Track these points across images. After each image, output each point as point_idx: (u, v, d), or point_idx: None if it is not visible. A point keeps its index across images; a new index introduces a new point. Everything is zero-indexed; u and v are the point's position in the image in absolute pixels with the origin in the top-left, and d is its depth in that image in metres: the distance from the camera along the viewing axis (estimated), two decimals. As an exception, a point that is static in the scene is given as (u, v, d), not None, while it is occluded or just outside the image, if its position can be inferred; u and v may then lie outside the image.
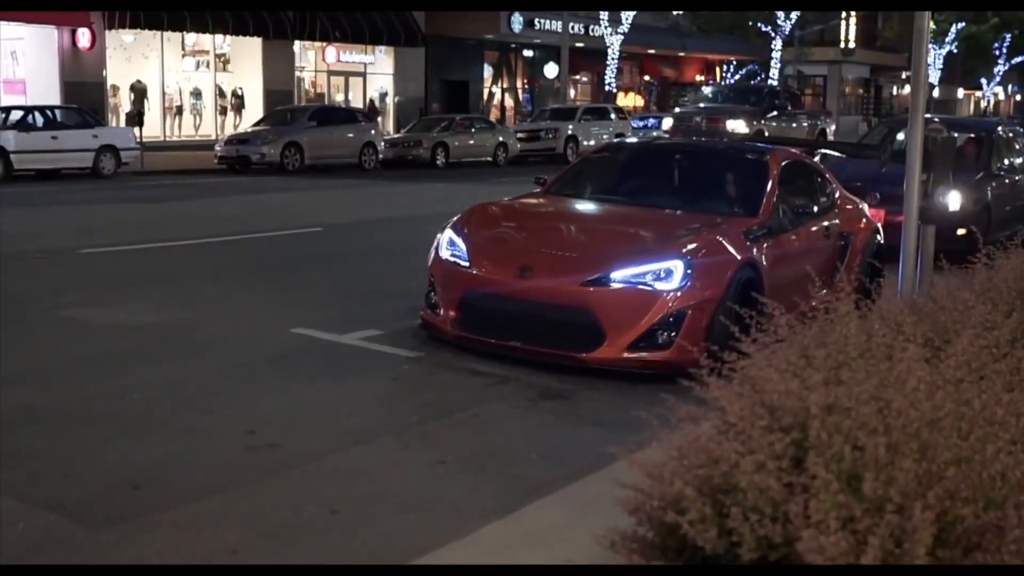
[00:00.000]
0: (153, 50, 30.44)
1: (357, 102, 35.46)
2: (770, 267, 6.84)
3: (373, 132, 27.24)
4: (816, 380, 2.59)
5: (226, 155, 24.66)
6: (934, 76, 47.08)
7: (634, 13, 37.16)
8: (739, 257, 6.63)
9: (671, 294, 6.32)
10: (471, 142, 29.08)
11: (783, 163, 7.90)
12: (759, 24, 40.44)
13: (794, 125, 27.43)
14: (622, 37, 37.68)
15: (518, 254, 6.77)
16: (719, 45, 44.25)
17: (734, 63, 49.24)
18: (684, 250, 6.53)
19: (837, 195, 8.49)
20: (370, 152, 26.44)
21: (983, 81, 58.18)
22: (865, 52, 54.00)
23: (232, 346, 7.18)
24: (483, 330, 6.73)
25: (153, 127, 29.37)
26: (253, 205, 17.30)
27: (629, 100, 45.28)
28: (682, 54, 45.11)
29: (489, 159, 29.23)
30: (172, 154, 26.90)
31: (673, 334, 6.26)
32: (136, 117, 25.37)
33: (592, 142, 27.89)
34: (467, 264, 6.89)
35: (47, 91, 26.72)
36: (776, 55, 41.52)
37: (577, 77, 42.88)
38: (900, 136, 12.46)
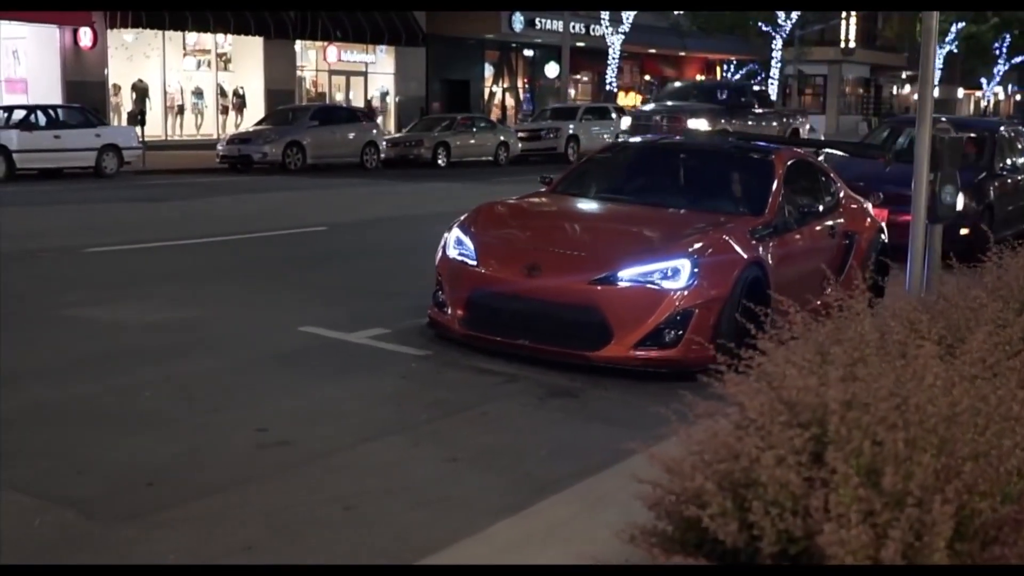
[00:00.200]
0: (155, 49, 30.44)
1: (358, 102, 35.44)
2: (776, 266, 6.89)
3: (375, 132, 27.27)
4: (834, 376, 2.62)
5: (228, 154, 24.67)
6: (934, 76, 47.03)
7: (635, 13, 37.16)
8: (745, 256, 6.66)
9: (678, 293, 6.35)
10: (472, 142, 29.09)
11: (788, 163, 7.94)
12: (759, 24, 40.46)
13: (763, 124, 26.05)
14: (623, 37, 37.67)
15: (525, 253, 6.79)
16: (719, 45, 44.28)
17: (734, 63, 49.32)
18: (691, 249, 6.56)
19: (842, 194, 8.52)
20: (372, 151, 26.46)
21: (983, 81, 58.19)
22: (865, 52, 54.08)
23: (240, 344, 7.20)
24: (491, 329, 6.75)
25: (155, 126, 29.39)
26: (255, 204, 17.31)
27: (630, 100, 45.27)
28: (683, 54, 45.12)
29: (490, 159, 29.25)
30: (174, 153, 26.90)
31: (680, 333, 6.30)
32: (138, 116, 25.40)
33: (598, 140, 27.62)
34: (475, 263, 6.91)
35: (49, 90, 26.73)
36: (776, 55, 41.55)
37: (578, 77, 42.91)
38: (902, 137, 12.51)
